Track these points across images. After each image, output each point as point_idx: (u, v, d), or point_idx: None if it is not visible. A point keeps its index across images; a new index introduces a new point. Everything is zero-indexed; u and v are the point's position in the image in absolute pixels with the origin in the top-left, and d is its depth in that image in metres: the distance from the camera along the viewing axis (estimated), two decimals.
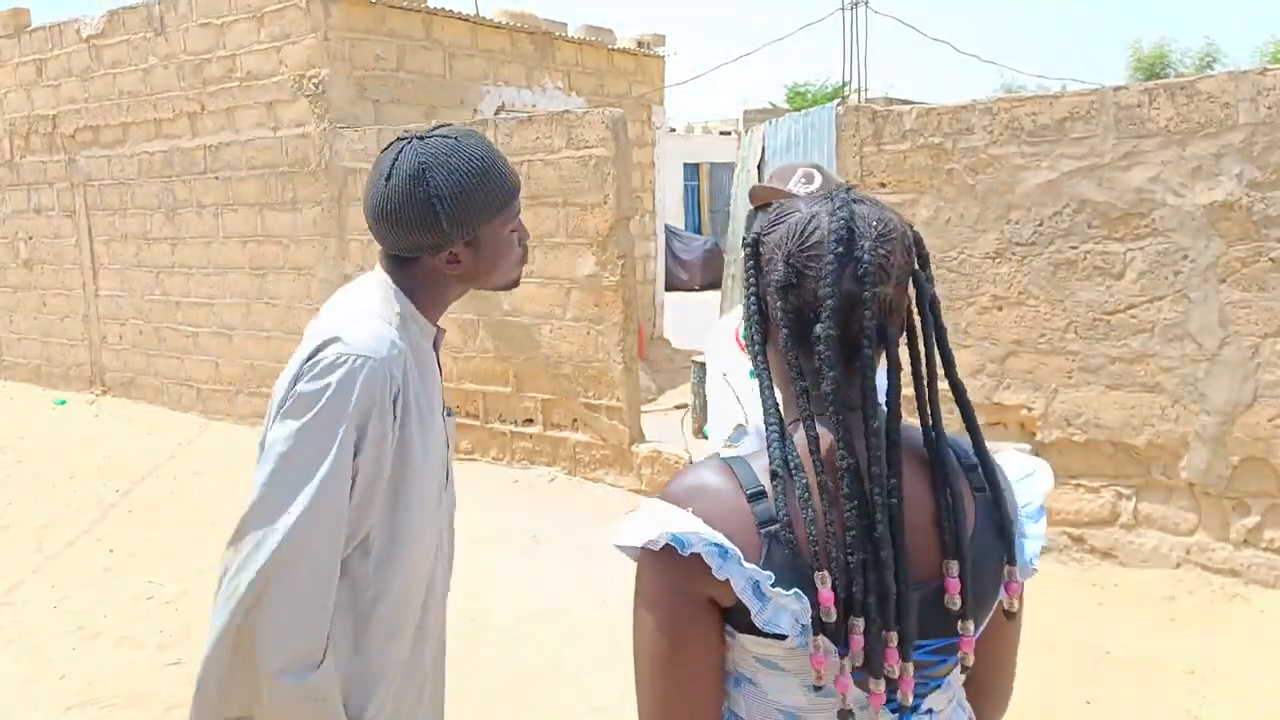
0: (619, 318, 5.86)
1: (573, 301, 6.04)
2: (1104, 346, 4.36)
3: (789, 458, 1.02)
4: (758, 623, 0.99)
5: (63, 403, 8.89)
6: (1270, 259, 4.00)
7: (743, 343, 2.36)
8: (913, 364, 1.10)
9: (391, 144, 1.54)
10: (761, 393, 1.07)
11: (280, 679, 1.39)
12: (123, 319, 8.75)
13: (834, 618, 0.97)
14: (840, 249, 1.01)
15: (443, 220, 1.48)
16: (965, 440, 1.13)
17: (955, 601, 1.02)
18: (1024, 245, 4.49)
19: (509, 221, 1.57)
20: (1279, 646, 3.67)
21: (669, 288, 11.61)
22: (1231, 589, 4.12)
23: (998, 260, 4.55)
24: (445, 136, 1.52)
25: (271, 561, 1.38)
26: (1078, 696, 3.39)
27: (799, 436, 1.04)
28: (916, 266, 1.08)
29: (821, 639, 0.98)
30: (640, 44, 10.02)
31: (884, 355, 1.06)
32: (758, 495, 1.01)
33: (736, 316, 2.60)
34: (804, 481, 1.00)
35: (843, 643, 0.99)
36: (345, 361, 1.42)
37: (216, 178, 7.79)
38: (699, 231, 19.78)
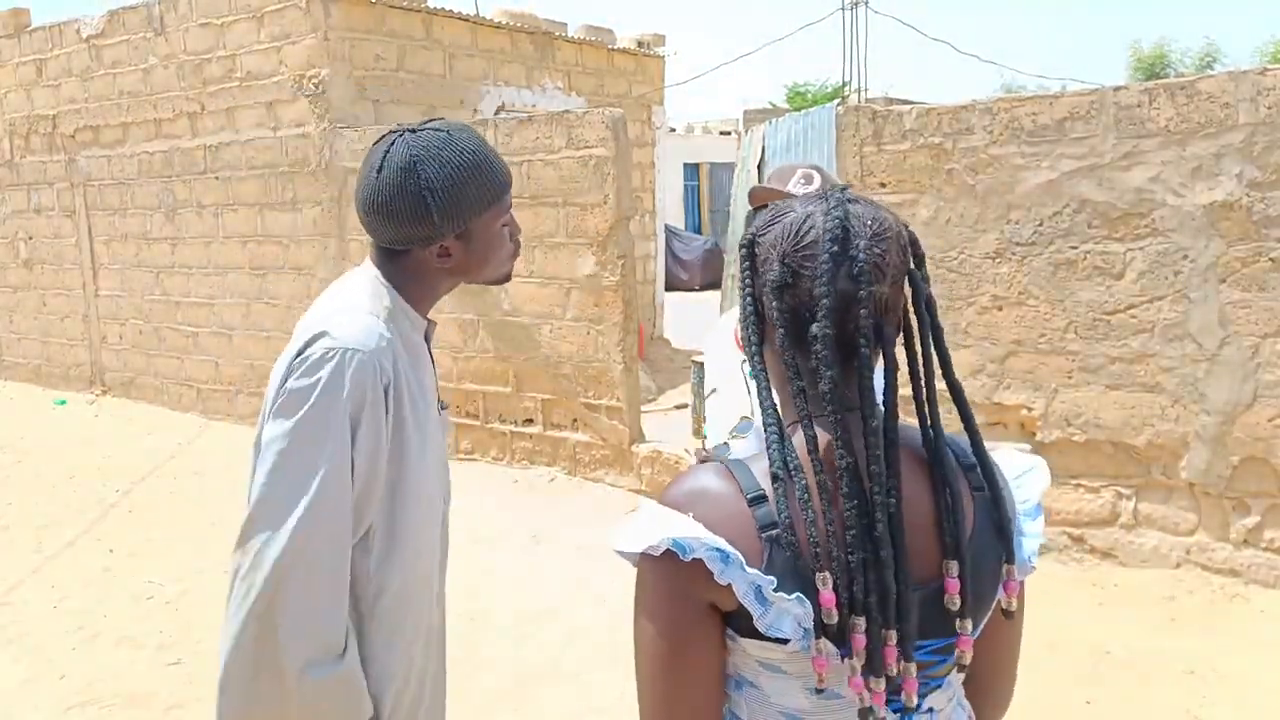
0: (619, 318, 5.86)
1: (573, 301, 6.04)
2: (1104, 346, 4.36)
3: (788, 459, 1.02)
4: (760, 627, 0.99)
5: (63, 403, 8.90)
6: (1270, 259, 4.00)
7: (741, 343, 2.36)
8: (910, 364, 1.10)
9: (383, 136, 1.54)
10: (759, 394, 1.06)
11: (306, 675, 1.39)
12: (123, 319, 8.75)
13: (835, 619, 0.97)
14: (835, 248, 1.01)
15: (434, 212, 1.48)
16: (963, 440, 1.13)
17: (955, 602, 1.02)
18: (1024, 245, 4.48)
19: (500, 215, 1.57)
20: (1279, 646, 3.67)
21: (669, 288, 11.61)
22: (1231, 589, 4.12)
23: (998, 260, 4.55)
24: (437, 130, 1.52)
25: (282, 560, 1.38)
26: (1078, 696, 3.39)
27: (798, 438, 1.04)
28: (912, 266, 1.08)
29: (824, 642, 0.98)
30: (640, 44, 10.02)
31: (881, 355, 1.06)
32: (758, 500, 1.01)
33: (735, 317, 2.60)
34: (803, 482, 1.00)
35: (844, 645, 0.99)
36: (334, 355, 1.42)
37: (216, 178, 7.79)
38: (699, 231, 19.78)
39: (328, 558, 1.41)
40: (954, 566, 1.02)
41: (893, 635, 0.98)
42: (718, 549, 0.98)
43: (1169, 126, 4.13)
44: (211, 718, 1.48)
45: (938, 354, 1.10)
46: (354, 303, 1.52)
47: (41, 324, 9.50)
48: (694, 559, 0.99)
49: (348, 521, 1.44)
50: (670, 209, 13.81)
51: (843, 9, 11.66)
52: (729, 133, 20.04)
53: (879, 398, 1.04)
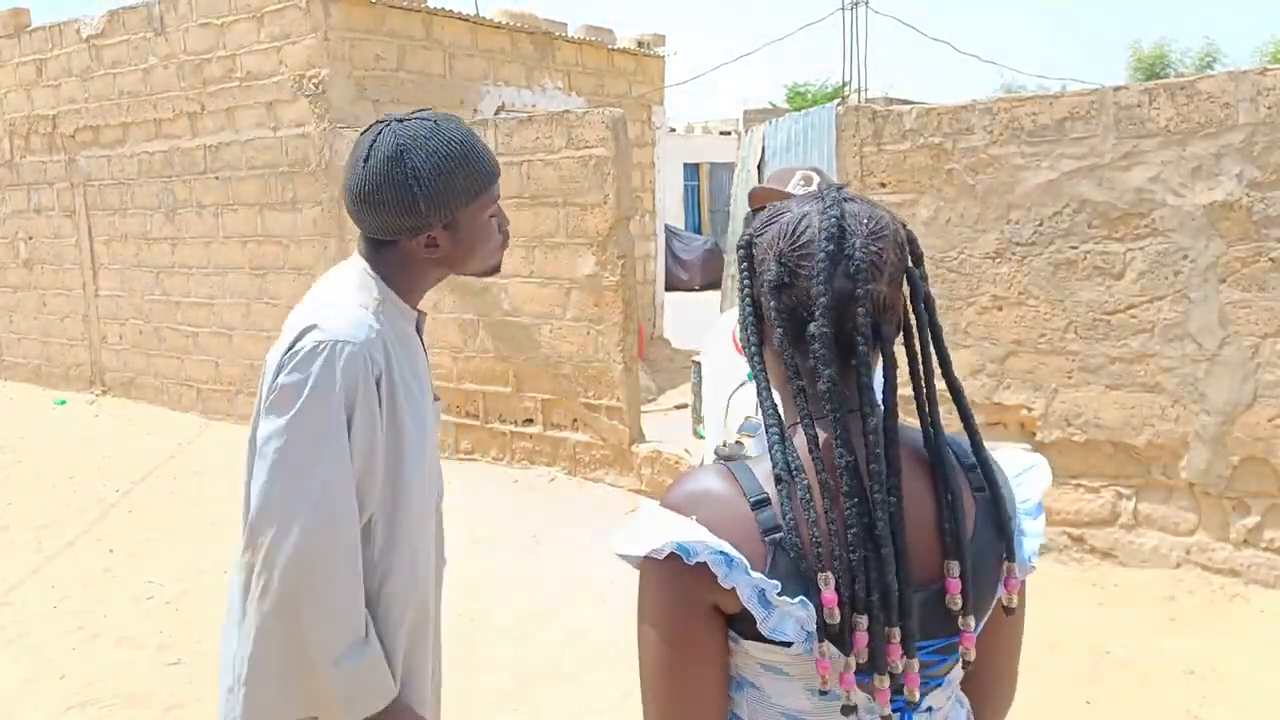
0: (619, 318, 5.86)
1: (573, 301, 6.04)
2: (1104, 346, 4.36)
3: (790, 460, 1.01)
4: (763, 630, 0.99)
5: (63, 403, 8.90)
6: (1270, 259, 4.00)
7: (739, 345, 2.36)
8: (910, 363, 1.10)
9: (370, 126, 1.54)
10: (760, 395, 1.06)
11: (339, 666, 1.41)
12: (123, 319, 8.75)
13: (838, 619, 0.97)
14: (832, 247, 1.01)
15: (420, 202, 1.47)
16: (964, 439, 1.12)
17: (956, 602, 1.03)
18: (1024, 245, 4.48)
19: (488, 206, 1.57)
20: (1279, 646, 3.67)
21: (669, 288, 11.61)
22: (1231, 589, 4.12)
23: (998, 260, 4.55)
24: (424, 120, 1.52)
25: (297, 557, 1.39)
26: (1078, 696, 3.39)
27: (799, 438, 1.04)
28: (910, 264, 1.07)
29: (826, 644, 0.98)
30: (640, 44, 10.02)
31: (880, 354, 1.06)
32: (761, 503, 1.01)
33: (734, 317, 2.60)
34: (805, 483, 1.00)
35: (847, 645, 0.99)
36: (324, 348, 1.42)
37: (216, 178, 7.79)
38: (699, 231, 19.77)
39: (340, 549, 1.42)
40: (955, 567, 1.02)
41: (895, 633, 0.99)
42: (722, 553, 0.98)
43: (1169, 126, 4.13)
44: (212, 718, 1.48)
45: (937, 353, 1.10)
46: (342, 295, 1.52)
47: (41, 324, 9.50)
48: (698, 562, 0.98)
49: (354, 512, 1.45)
50: (670, 209, 13.81)
51: (843, 9, 11.67)
52: (729, 133, 20.04)
53: (879, 397, 1.04)
